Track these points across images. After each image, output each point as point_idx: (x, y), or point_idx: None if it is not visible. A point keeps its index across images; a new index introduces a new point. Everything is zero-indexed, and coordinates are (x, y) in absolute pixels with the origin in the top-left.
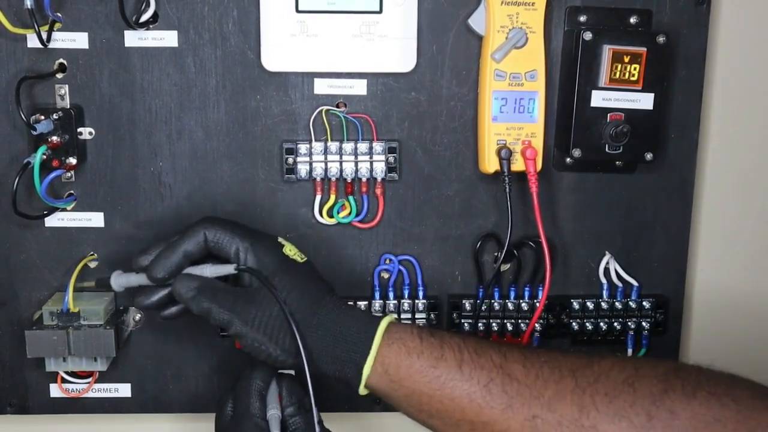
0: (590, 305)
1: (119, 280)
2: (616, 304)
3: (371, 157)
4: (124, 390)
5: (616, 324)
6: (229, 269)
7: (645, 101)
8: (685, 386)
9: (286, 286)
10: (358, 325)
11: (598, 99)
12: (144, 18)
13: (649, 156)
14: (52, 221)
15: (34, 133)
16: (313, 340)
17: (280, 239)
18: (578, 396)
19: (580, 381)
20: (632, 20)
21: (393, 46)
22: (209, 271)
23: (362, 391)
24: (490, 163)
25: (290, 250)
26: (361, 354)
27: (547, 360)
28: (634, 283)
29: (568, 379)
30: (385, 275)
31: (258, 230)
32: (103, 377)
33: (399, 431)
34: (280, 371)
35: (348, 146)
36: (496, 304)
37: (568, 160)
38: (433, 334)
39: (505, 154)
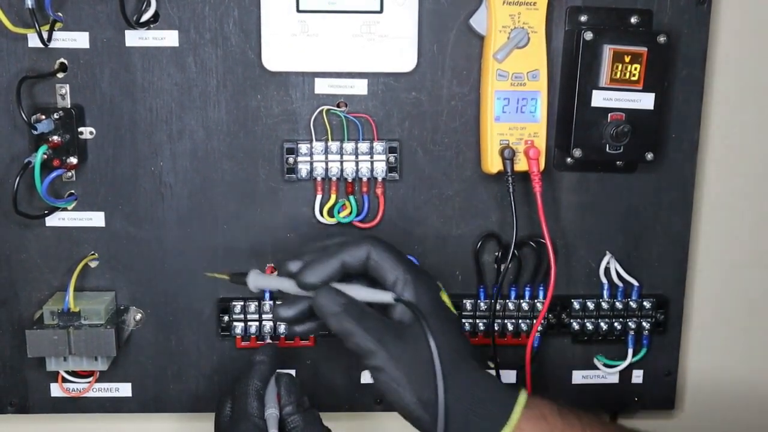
0: (591, 305)
1: (258, 281)
2: (617, 304)
3: (372, 157)
4: (124, 389)
5: (616, 324)
6: (387, 297)
7: (646, 101)
8: None
9: (438, 330)
10: (498, 392)
11: (599, 99)
12: (145, 17)
13: (649, 156)
14: (53, 221)
15: (35, 132)
16: (452, 398)
17: (438, 283)
18: None
19: None
20: (633, 20)
21: (394, 45)
22: (363, 293)
23: None
24: (493, 164)
25: (446, 297)
26: (499, 423)
27: None
28: (635, 283)
29: None
30: None
31: (420, 268)
32: (103, 377)
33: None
34: (278, 371)
35: (349, 146)
36: (497, 303)
37: (568, 160)
38: (571, 410)
39: (508, 154)
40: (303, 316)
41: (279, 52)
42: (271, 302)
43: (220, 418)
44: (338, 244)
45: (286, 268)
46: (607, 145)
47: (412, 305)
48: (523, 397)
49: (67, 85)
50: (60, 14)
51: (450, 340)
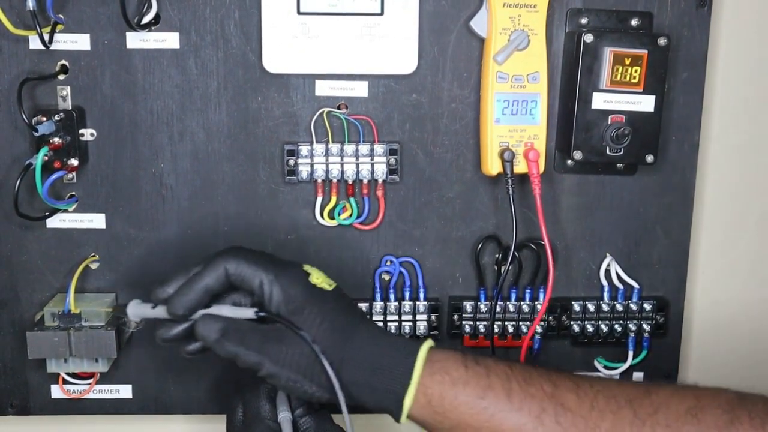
0: (591, 307)
1: (137, 310)
2: (617, 306)
3: (372, 159)
4: (125, 391)
5: (616, 326)
6: (248, 313)
7: (646, 103)
8: (752, 417)
9: (316, 319)
10: (396, 353)
11: (599, 101)
12: (146, 20)
13: (650, 158)
14: (54, 222)
15: (36, 134)
16: (349, 374)
17: (305, 267)
18: (638, 428)
19: (638, 412)
20: (633, 22)
21: (394, 47)
22: (227, 312)
23: (404, 421)
24: (492, 165)
25: (317, 278)
26: (401, 385)
27: (601, 389)
28: (635, 285)
29: (625, 409)
30: (386, 277)
31: (282, 260)
32: (104, 378)
33: (400, 431)
34: None
35: (349, 148)
36: (497, 305)
37: (569, 162)
38: (478, 361)
39: (508, 156)
40: (188, 335)
41: (280, 54)
42: None
43: (232, 423)
44: (198, 271)
45: (156, 295)
46: (608, 148)
47: (271, 314)
48: (422, 353)
49: (68, 86)
50: (61, 16)
51: (332, 320)
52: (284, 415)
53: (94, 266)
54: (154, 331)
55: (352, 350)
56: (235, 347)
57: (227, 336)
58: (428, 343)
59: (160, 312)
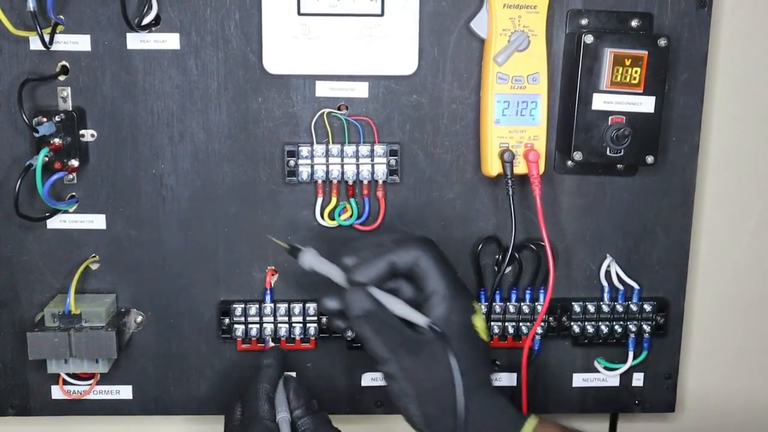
0: (591, 308)
1: (311, 260)
2: (617, 306)
3: (372, 160)
4: (125, 392)
5: (617, 327)
6: (420, 321)
7: (646, 104)
8: None
9: (462, 357)
10: (508, 417)
11: (600, 102)
12: (146, 20)
13: (650, 159)
14: (54, 223)
15: (37, 135)
16: (466, 419)
17: (476, 305)
18: None
19: None
20: (633, 23)
21: (394, 48)
22: (399, 308)
23: None
24: (492, 166)
25: (479, 322)
26: None
27: None
28: (635, 285)
29: None
30: None
31: (462, 284)
32: (104, 379)
33: None
34: (285, 374)
35: (349, 149)
36: (497, 306)
37: (569, 162)
38: None
39: (508, 157)
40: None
41: (280, 55)
42: (272, 304)
43: (230, 423)
44: (392, 242)
45: (341, 261)
46: (608, 148)
47: (440, 335)
48: (531, 424)
49: (69, 87)
50: (62, 17)
51: (471, 367)
52: (283, 416)
53: (94, 267)
54: (318, 300)
55: (472, 400)
56: (370, 333)
57: (370, 319)
58: (536, 417)
59: (335, 273)
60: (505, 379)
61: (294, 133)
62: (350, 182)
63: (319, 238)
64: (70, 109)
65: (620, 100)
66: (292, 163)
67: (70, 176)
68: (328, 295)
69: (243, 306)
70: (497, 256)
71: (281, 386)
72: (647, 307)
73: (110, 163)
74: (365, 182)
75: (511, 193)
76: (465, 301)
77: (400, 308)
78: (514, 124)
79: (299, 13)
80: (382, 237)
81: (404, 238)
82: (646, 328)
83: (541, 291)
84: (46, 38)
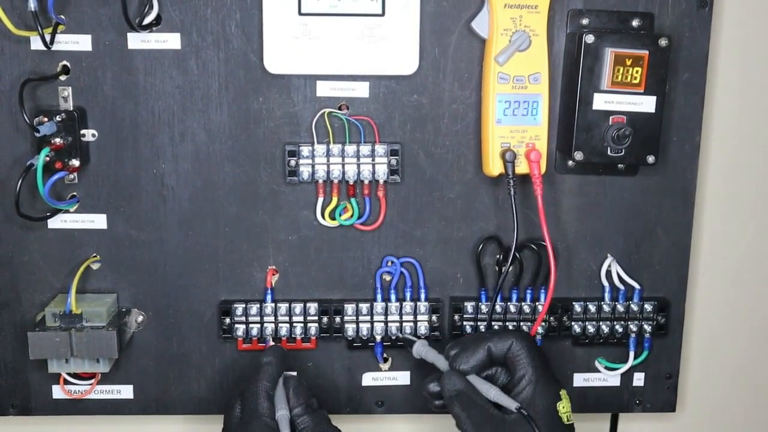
0: (592, 308)
1: (421, 350)
2: (618, 306)
3: (373, 160)
4: (126, 392)
5: (617, 326)
6: (510, 405)
7: (647, 104)
8: None
9: None
10: None
11: (600, 102)
12: (147, 20)
13: (651, 159)
14: (55, 223)
15: (38, 135)
16: None
17: (562, 392)
18: None
19: None
20: (634, 23)
21: (395, 48)
22: (493, 393)
23: None
24: (494, 166)
25: (564, 407)
26: None
27: None
28: (636, 285)
29: None
30: (387, 277)
31: (550, 369)
32: (105, 379)
33: None
34: (285, 373)
35: (350, 148)
36: (498, 306)
37: (570, 162)
38: None
39: (509, 157)
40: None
41: (281, 55)
42: (273, 304)
43: (229, 420)
44: (490, 333)
45: (447, 351)
46: (609, 148)
47: (527, 417)
48: None
49: (70, 87)
50: (62, 17)
51: None
52: (282, 413)
53: (95, 267)
54: (423, 385)
55: None
56: (460, 410)
57: (459, 398)
58: None
59: (440, 362)
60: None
61: (295, 132)
62: (351, 182)
63: (320, 238)
64: (71, 108)
65: (621, 99)
66: (293, 162)
67: (71, 176)
68: (432, 380)
69: (244, 306)
70: (498, 256)
71: (281, 384)
72: (648, 307)
73: (111, 163)
74: (366, 182)
75: (512, 192)
76: (551, 387)
77: (494, 393)
78: (516, 123)
79: (300, 13)
80: (483, 332)
81: (502, 330)
82: (647, 328)
83: (542, 291)
84: (47, 38)
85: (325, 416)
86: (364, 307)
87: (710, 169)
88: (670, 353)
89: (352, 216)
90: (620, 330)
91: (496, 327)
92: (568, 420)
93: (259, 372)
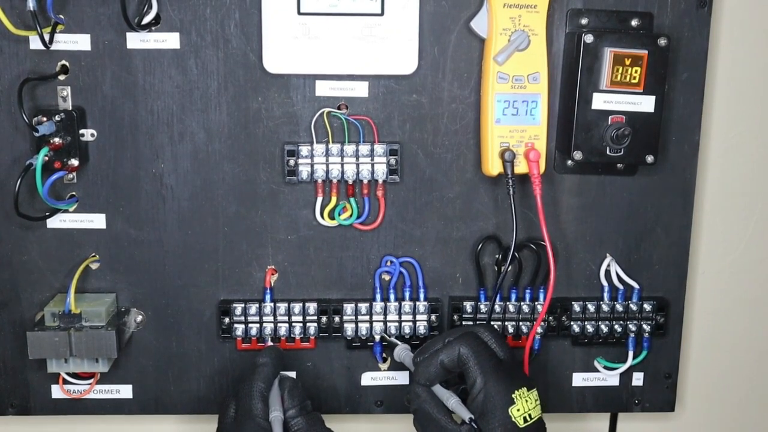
0: (591, 307)
1: (401, 354)
2: (617, 306)
3: (372, 159)
4: (125, 391)
5: (617, 326)
6: (465, 416)
7: (646, 104)
8: None
9: None
10: None
11: (600, 101)
12: (146, 20)
13: (650, 158)
14: (54, 222)
15: (37, 134)
16: None
17: (516, 393)
18: None
19: None
20: (633, 23)
21: (394, 48)
22: (452, 403)
23: None
24: (493, 166)
25: (520, 409)
26: None
27: None
28: (635, 285)
29: None
30: (386, 277)
31: (507, 373)
32: (104, 378)
33: None
34: (281, 374)
35: (349, 148)
36: (497, 306)
37: (569, 162)
38: None
39: (508, 157)
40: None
41: (280, 55)
42: (272, 304)
43: (224, 419)
44: (443, 343)
45: (414, 359)
46: (608, 148)
47: (475, 430)
48: None
49: (69, 87)
50: (62, 16)
51: None
52: (275, 415)
53: (94, 266)
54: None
55: None
56: (418, 426)
57: (417, 414)
58: None
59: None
60: None
61: (294, 132)
62: (350, 182)
63: (319, 238)
64: (70, 108)
65: (620, 99)
66: (292, 162)
67: (70, 176)
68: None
69: (243, 305)
70: (497, 256)
71: (276, 386)
72: (647, 307)
73: (110, 163)
74: (365, 182)
75: (511, 192)
76: (503, 391)
77: (452, 403)
78: (515, 123)
79: (299, 13)
80: (443, 335)
81: (453, 334)
82: (646, 327)
83: (541, 290)
84: (46, 38)
85: (319, 418)
86: (363, 306)
87: (709, 168)
88: (669, 353)
89: (351, 216)
90: (619, 330)
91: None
92: (527, 421)
93: (254, 372)
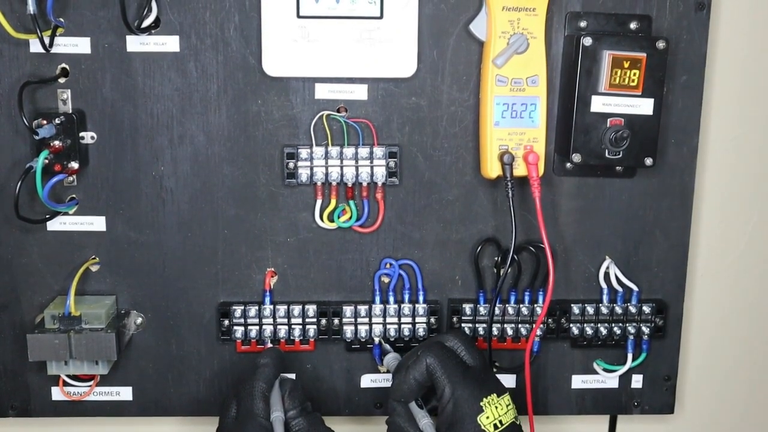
0: (590, 310)
1: (391, 365)
2: (616, 308)
3: (372, 162)
4: (125, 393)
5: (615, 328)
6: (422, 422)
7: (645, 106)
8: None
9: None
10: None
11: (598, 104)
12: (146, 23)
13: (648, 161)
14: (54, 225)
15: (37, 137)
16: None
17: (485, 400)
18: None
19: None
20: (632, 26)
21: (394, 51)
22: (423, 424)
23: None
24: (492, 168)
25: (489, 416)
26: None
27: None
28: (634, 287)
29: None
30: (386, 279)
31: (474, 379)
32: (104, 380)
33: None
34: (283, 375)
35: (349, 151)
36: (496, 308)
37: (568, 165)
38: None
39: (507, 159)
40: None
41: (279, 58)
42: (272, 306)
43: (225, 418)
44: (411, 360)
45: (392, 367)
46: (607, 150)
47: None
48: None
49: (69, 90)
50: (62, 20)
51: None
52: (277, 415)
53: (94, 269)
54: None
55: None
56: (389, 421)
57: (391, 426)
58: None
59: None
60: (504, 381)
61: (293, 135)
62: (349, 184)
63: (319, 240)
64: (70, 111)
65: (619, 102)
66: (291, 165)
67: (70, 178)
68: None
69: (242, 308)
70: (496, 258)
71: (277, 386)
72: (646, 309)
73: (110, 166)
74: (364, 184)
75: (510, 195)
76: (471, 399)
77: (423, 424)
78: (514, 126)
79: (298, 16)
80: (409, 355)
81: (420, 349)
82: (645, 329)
83: (540, 293)
84: (46, 41)
85: (319, 418)
86: (362, 309)
87: (708, 171)
88: (669, 355)
89: (350, 218)
90: (618, 332)
91: (494, 329)
92: (497, 427)
93: (256, 373)
